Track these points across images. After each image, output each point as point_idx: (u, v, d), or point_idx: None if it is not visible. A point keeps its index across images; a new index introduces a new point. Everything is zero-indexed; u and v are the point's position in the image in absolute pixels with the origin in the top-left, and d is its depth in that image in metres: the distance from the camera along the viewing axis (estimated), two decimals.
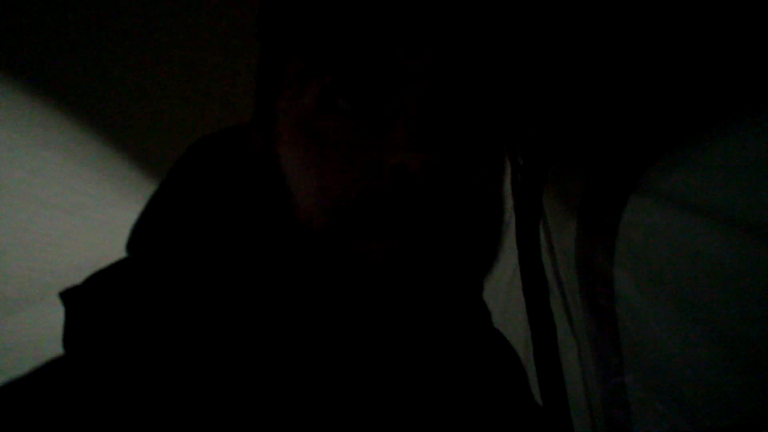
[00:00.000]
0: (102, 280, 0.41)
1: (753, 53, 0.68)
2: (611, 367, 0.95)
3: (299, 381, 0.38)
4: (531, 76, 0.93)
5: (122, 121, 0.74)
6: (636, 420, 0.91)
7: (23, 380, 0.36)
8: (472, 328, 0.50)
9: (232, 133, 0.50)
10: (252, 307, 0.40)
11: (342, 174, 0.37)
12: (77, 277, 0.42)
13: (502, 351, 0.54)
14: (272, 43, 0.43)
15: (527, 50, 0.84)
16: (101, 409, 0.34)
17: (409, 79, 0.37)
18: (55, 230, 0.75)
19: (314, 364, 0.39)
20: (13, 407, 0.34)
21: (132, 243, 0.44)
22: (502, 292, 1.10)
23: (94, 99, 0.71)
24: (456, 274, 0.38)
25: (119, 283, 0.40)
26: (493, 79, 0.40)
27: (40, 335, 0.48)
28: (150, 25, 0.70)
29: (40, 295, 0.70)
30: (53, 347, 0.40)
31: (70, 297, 0.40)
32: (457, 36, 0.38)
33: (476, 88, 0.39)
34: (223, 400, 0.35)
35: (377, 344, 0.40)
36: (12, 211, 0.70)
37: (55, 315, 0.40)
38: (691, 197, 0.78)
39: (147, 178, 0.77)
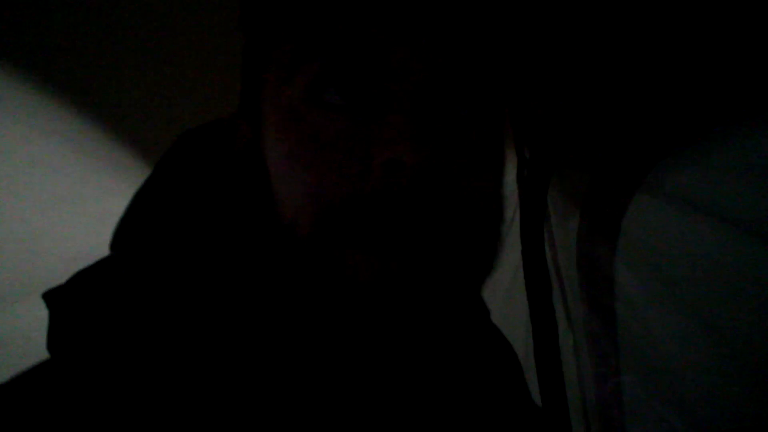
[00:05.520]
0: (86, 279, 0.40)
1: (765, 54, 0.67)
2: (610, 367, 0.94)
3: (281, 383, 0.37)
4: (538, 70, 0.92)
5: (121, 109, 0.74)
6: (633, 421, 0.91)
7: (7, 385, 0.36)
8: (469, 327, 0.49)
9: (219, 125, 0.49)
10: (236, 307, 0.39)
11: (330, 173, 0.35)
12: (74, 269, 0.41)
13: (499, 349, 0.54)
14: (259, 28, 0.41)
15: (532, 44, 0.83)
16: (87, 412, 0.33)
17: (403, 70, 0.35)
18: (51, 221, 0.75)
19: (299, 364, 0.38)
20: None
21: (116, 240, 0.43)
22: (504, 288, 1.09)
23: (92, 87, 0.70)
24: (453, 279, 0.37)
25: (103, 283, 0.39)
26: (490, 72, 0.39)
27: (34, 329, 0.48)
28: (150, 14, 0.69)
29: (35, 287, 0.70)
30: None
31: (53, 297, 0.40)
32: (455, 26, 0.36)
33: (473, 81, 0.37)
34: (207, 401, 0.35)
35: (367, 345, 0.39)
36: (7, 201, 0.70)
37: None
38: (697, 197, 0.77)
39: (146, 168, 0.77)
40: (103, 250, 0.43)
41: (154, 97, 0.75)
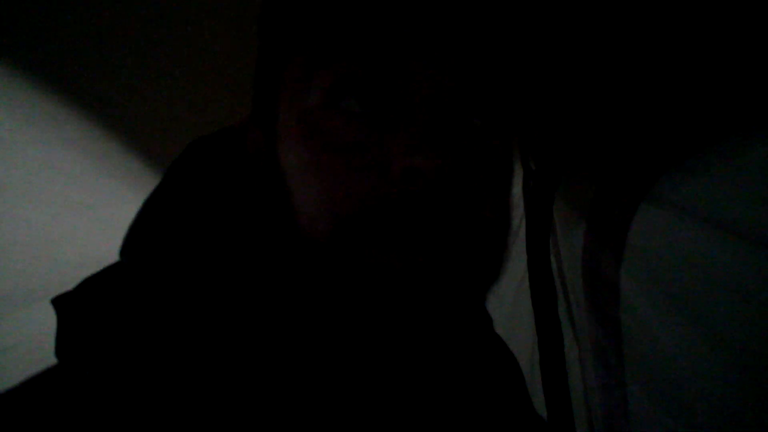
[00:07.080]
0: (94, 285, 0.40)
1: None
2: (615, 377, 0.94)
3: (295, 391, 0.37)
4: (544, 81, 0.93)
5: (132, 116, 0.74)
6: None
7: (16, 390, 0.36)
8: (472, 335, 0.50)
9: (229, 132, 0.49)
10: (249, 315, 0.39)
11: (348, 178, 0.36)
12: (85, 275, 0.41)
13: (501, 358, 0.54)
14: (276, 36, 0.42)
15: (539, 55, 0.84)
16: (95, 418, 0.33)
17: (421, 79, 0.36)
18: (63, 227, 0.75)
19: (312, 373, 0.38)
20: (5, 419, 0.34)
21: (126, 247, 0.43)
22: (510, 297, 1.09)
23: (103, 95, 0.71)
24: (462, 283, 0.37)
25: (112, 289, 0.39)
26: (504, 83, 0.39)
27: (43, 334, 0.48)
28: (165, 27, 0.70)
29: (45, 292, 0.71)
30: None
31: (62, 303, 0.40)
32: (469, 38, 0.37)
33: (488, 91, 0.38)
34: (217, 409, 0.35)
35: (375, 351, 0.39)
36: (18, 208, 0.70)
37: None
38: (703, 208, 0.77)
39: (158, 175, 0.77)
40: (113, 256, 0.43)
41: (167, 105, 0.76)
